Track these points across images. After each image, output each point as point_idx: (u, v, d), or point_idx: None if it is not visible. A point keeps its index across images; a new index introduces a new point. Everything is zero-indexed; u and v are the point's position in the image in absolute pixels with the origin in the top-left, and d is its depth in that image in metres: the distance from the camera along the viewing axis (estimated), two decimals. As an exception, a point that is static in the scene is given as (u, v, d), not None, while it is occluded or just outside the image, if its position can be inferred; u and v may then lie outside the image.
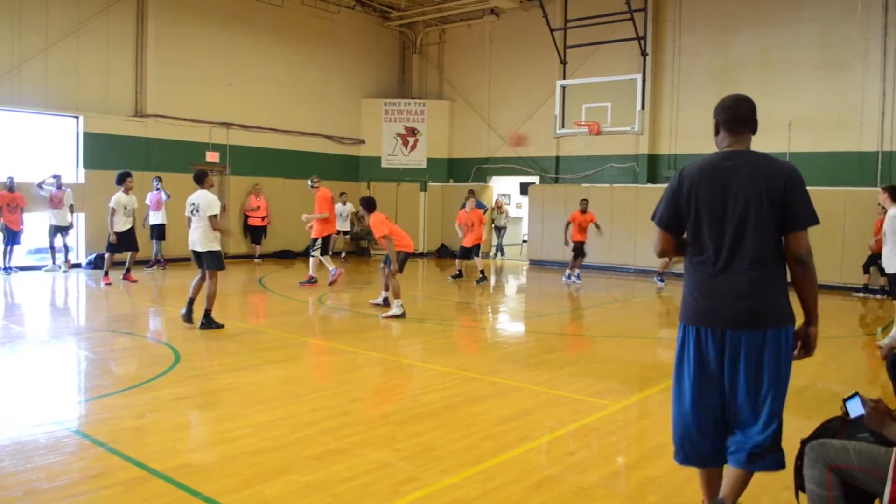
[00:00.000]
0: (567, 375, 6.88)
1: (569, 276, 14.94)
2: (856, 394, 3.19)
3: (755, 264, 3.09)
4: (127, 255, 13.11)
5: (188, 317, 8.88)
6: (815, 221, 3.07)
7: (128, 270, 13.11)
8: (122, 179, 12.85)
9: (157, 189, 15.09)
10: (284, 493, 3.92)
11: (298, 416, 5.32)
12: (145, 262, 15.32)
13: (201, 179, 9.04)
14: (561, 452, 4.81)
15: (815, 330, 3.21)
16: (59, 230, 14.28)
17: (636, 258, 17.07)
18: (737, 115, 3.22)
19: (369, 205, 10.36)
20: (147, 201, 15.09)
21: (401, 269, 10.13)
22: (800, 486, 3.15)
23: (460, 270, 15.17)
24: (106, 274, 12.88)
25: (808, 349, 3.24)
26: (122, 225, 12.81)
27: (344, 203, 18.26)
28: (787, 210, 3.05)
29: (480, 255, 14.88)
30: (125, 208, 12.79)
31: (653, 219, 3.38)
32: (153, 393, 5.86)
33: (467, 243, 14.60)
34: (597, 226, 14.57)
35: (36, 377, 6.59)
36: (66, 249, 14.54)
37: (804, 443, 3.21)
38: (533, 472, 4.36)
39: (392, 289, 10.00)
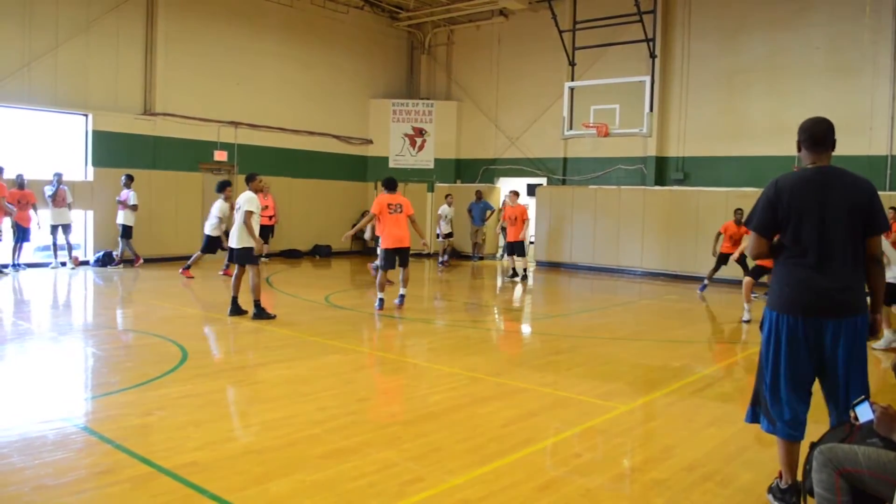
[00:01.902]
0: (573, 377, 6.87)
1: (703, 287, 13.66)
2: (865, 398, 3.19)
3: (848, 262, 3.59)
4: (199, 254, 13.93)
5: (236, 311, 9.49)
6: (888, 228, 3.66)
7: (187, 267, 13.70)
8: (222, 188, 13.49)
9: (127, 189, 14.83)
10: (291, 491, 3.93)
11: (305, 415, 5.33)
12: (117, 261, 15.38)
13: (248, 181, 9.79)
14: (567, 454, 4.80)
15: (881, 317, 3.76)
16: (60, 227, 14.33)
17: (643, 260, 17.04)
18: (814, 135, 3.71)
19: (385, 183, 10.81)
20: (120, 198, 14.94)
21: (384, 265, 10.39)
22: (808, 490, 3.15)
23: (514, 269, 15.49)
24: (187, 267, 13.70)
25: (874, 332, 3.74)
26: (214, 230, 13.55)
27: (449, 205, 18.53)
28: (869, 218, 3.61)
29: (519, 253, 15.38)
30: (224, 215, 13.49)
31: (748, 224, 3.82)
32: (161, 390, 5.88)
33: (512, 238, 15.20)
34: None
35: (44, 374, 6.62)
36: (70, 247, 14.58)
37: (813, 447, 3.21)
38: (539, 473, 4.36)
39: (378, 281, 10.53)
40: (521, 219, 15.09)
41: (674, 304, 12.71)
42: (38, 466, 4.15)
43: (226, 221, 13.36)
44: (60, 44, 14.73)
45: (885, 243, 8.74)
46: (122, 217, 14.85)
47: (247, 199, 9.37)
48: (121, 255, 15.01)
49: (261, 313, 9.30)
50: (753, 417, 3.91)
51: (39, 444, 4.55)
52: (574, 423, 5.41)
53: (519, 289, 14.61)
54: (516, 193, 15.56)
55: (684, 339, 9.29)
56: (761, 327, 3.82)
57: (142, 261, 15.23)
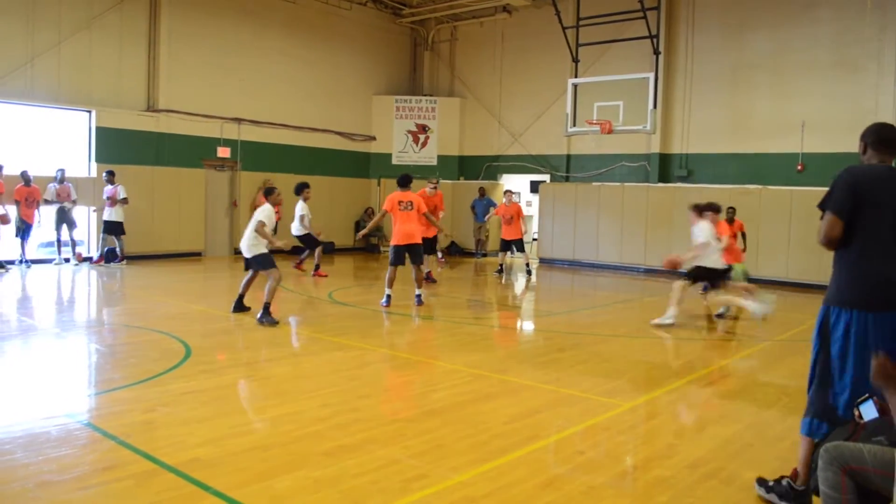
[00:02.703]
0: (576, 374, 6.87)
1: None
2: (869, 397, 3.18)
3: None
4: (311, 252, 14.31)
5: (239, 308, 9.55)
6: None
7: (317, 266, 14.10)
8: (300, 189, 13.83)
9: (111, 185, 14.61)
10: (294, 488, 3.93)
11: (308, 412, 5.33)
12: (120, 258, 15.32)
13: (266, 194, 9.66)
14: (570, 451, 4.80)
15: None
16: (64, 224, 14.34)
17: (646, 258, 17.02)
18: (882, 137, 3.73)
19: (398, 180, 10.86)
20: (105, 196, 14.70)
21: (392, 261, 10.54)
22: (814, 489, 3.14)
23: (502, 266, 15.70)
24: (317, 267, 14.09)
25: None
26: (299, 230, 13.83)
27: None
28: None
29: (516, 250, 15.44)
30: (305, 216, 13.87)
31: (823, 206, 3.65)
32: (164, 387, 5.88)
33: (507, 236, 15.30)
34: (743, 234, 13.14)
35: (48, 370, 6.63)
36: (74, 243, 14.59)
37: (818, 445, 3.20)
38: (542, 470, 4.36)
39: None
40: (518, 217, 15.10)
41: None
42: (41, 462, 4.16)
43: (307, 220, 13.85)
44: (63, 40, 14.74)
45: (708, 231, 9.44)
46: (111, 214, 14.60)
47: (261, 211, 9.27)
48: (121, 251, 14.94)
49: (267, 316, 8.97)
50: (810, 429, 3.76)
51: (43, 440, 4.55)
52: (577, 421, 5.40)
53: (521, 285, 14.60)
54: (511, 193, 15.61)
55: (687, 337, 9.28)
56: (824, 329, 3.68)
57: (103, 261, 14.87)
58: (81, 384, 6.31)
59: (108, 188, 14.65)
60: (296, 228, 13.87)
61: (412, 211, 10.49)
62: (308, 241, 14.07)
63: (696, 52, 17.02)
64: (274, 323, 9.04)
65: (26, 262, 13.84)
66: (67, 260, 14.49)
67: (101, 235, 14.90)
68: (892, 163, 3.72)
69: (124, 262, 14.90)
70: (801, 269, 14.38)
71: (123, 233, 14.84)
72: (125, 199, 14.64)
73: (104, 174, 14.76)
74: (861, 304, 3.56)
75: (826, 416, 3.66)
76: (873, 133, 3.76)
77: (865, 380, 3.46)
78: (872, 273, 3.56)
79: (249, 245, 9.27)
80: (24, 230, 13.72)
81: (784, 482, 3.85)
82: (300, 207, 13.84)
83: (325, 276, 13.93)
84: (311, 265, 14.32)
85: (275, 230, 9.43)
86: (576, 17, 16.25)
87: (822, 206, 3.66)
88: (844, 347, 3.60)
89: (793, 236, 14.61)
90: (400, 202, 10.45)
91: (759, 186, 15.38)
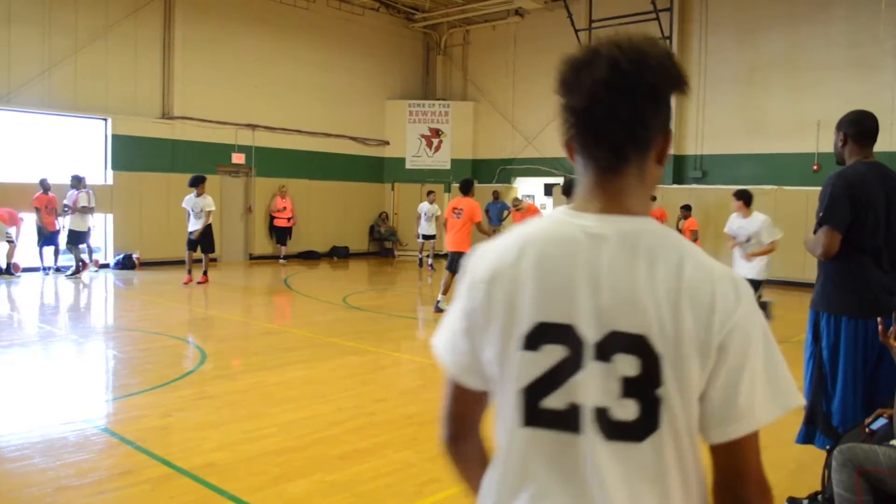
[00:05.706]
0: (591, 377, 6.84)
1: None
2: (879, 415, 3.20)
3: None
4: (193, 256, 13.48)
5: None
6: None
7: (204, 272, 13.32)
8: (195, 183, 12.83)
9: (79, 190, 13.71)
10: (309, 492, 3.94)
11: (323, 416, 5.35)
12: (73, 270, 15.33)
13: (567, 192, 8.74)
14: (585, 454, 4.78)
15: None
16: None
17: (661, 259, 16.92)
18: (866, 129, 3.53)
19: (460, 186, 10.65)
20: (68, 202, 13.78)
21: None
22: (829, 497, 3.12)
23: None
24: (189, 272, 13.17)
25: None
26: (194, 226, 12.96)
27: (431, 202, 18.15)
28: None
29: None
30: (202, 210, 12.96)
31: (825, 221, 3.49)
32: (179, 392, 5.92)
33: None
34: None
35: (65, 376, 6.69)
36: (91, 250, 14.68)
37: (832, 449, 3.19)
38: (556, 474, 4.34)
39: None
40: None
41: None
42: (59, 467, 4.20)
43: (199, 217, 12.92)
44: (80, 49, 14.88)
45: None
46: (70, 222, 13.66)
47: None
48: (86, 260, 14.18)
49: None
50: (807, 437, 3.65)
51: (61, 445, 4.60)
52: (592, 424, 5.38)
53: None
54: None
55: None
56: (817, 334, 3.57)
57: (90, 267, 14.30)
58: (98, 390, 6.36)
59: (71, 193, 13.75)
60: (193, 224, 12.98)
61: (459, 219, 10.43)
62: (199, 242, 13.07)
63: (709, 52, 16.93)
64: None
65: (54, 269, 13.95)
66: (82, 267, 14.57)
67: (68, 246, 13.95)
68: (872, 156, 3.55)
69: (85, 270, 14.08)
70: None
71: (83, 241, 14.02)
72: (87, 207, 13.70)
73: (70, 178, 13.82)
74: (851, 310, 3.43)
75: (822, 424, 3.55)
76: (854, 124, 3.54)
77: (856, 386, 3.40)
78: (863, 278, 3.43)
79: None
80: (47, 238, 13.83)
81: (819, 497, 3.67)
82: (185, 201, 13.05)
83: (189, 282, 13.07)
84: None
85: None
86: (588, 19, 16.24)
87: (822, 221, 3.50)
88: (834, 354, 3.48)
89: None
90: (454, 209, 10.44)
91: (775, 187, 15.28)
